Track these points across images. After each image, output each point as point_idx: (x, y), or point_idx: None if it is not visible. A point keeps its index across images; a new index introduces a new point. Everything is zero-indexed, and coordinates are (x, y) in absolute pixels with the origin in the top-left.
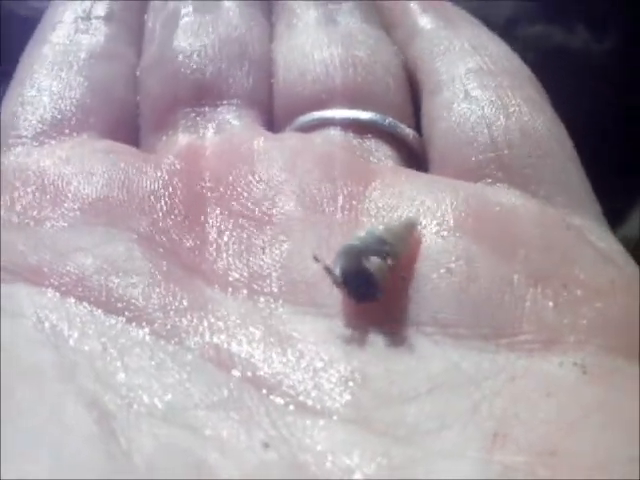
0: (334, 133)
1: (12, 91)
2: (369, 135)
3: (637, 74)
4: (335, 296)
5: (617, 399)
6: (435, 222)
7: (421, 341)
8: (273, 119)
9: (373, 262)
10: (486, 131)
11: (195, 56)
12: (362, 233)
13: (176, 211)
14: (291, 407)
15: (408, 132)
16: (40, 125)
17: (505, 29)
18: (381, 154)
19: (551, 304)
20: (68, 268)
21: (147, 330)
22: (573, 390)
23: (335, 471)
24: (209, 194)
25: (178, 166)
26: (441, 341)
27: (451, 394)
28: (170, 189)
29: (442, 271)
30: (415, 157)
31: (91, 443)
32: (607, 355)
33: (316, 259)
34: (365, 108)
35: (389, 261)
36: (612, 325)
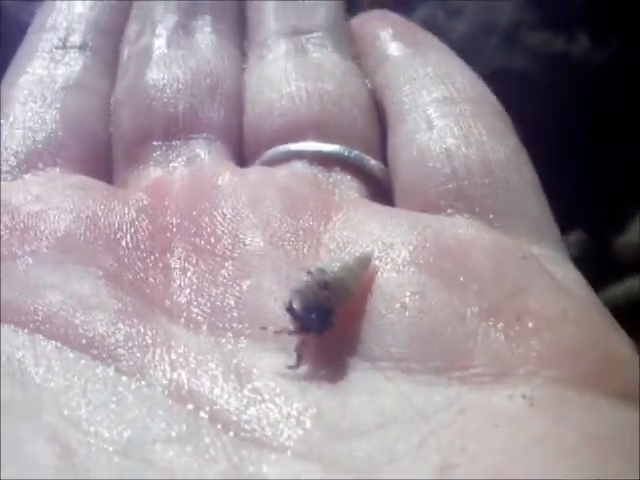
0: (300, 166)
1: None
2: (335, 168)
3: (638, 81)
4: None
5: (562, 430)
6: (391, 256)
7: (374, 376)
8: (243, 152)
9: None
10: (447, 162)
11: (167, 89)
12: (308, 275)
13: (141, 247)
14: (246, 442)
15: (374, 164)
16: (13, 159)
17: (507, 36)
18: (346, 187)
19: (502, 337)
20: (37, 305)
21: (110, 366)
22: (520, 422)
23: None
24: (174, 230)
25: (145, 202)
26: (393, 376)
27: (401, 428)
28: (136, 225)
29: (397, 306)
30: (381, 188)
31: (50, 477)
32: (556, 387)
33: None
34: (332, 141)
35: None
36: (562, 356)
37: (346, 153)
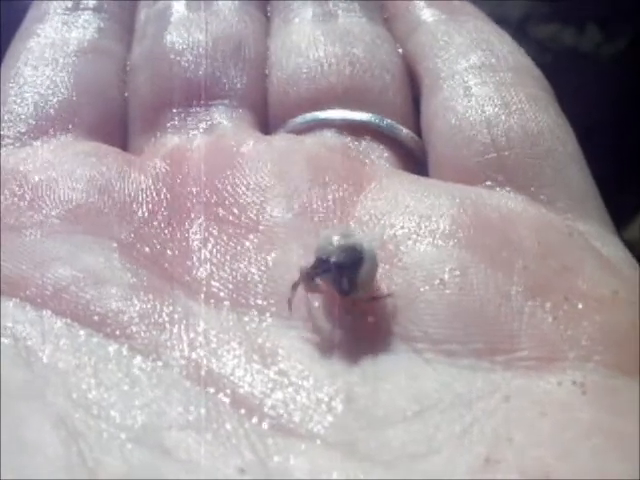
0: (328, 135)
1: None
2: (365, 137)
3: None
4: (323, 310)
5: (617, 421)
6: (428, 229)
7: (411, 359)
8: (267, 120)
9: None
10: (486, 131)
11: (187, 53)
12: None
13: (159, 218)
14: (271, 430)
15: (406, 134)
16: (23, 125)
17: (516, 29)
18: (377, 157)
19: (550, 318)
20: (45, 279)
21: (124, 345)
22: (571, 411)
23: None
24: (194, 199)
25: (163, 170)
26: (432, 359)
27: (441, 416)
28: (153, 195)
29: (435, 283)
30: (414, 160)
31: (55, 465)
32: (608, 373)
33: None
34: (362, 109)
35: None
36: (614, 340)
37: (377, 122)
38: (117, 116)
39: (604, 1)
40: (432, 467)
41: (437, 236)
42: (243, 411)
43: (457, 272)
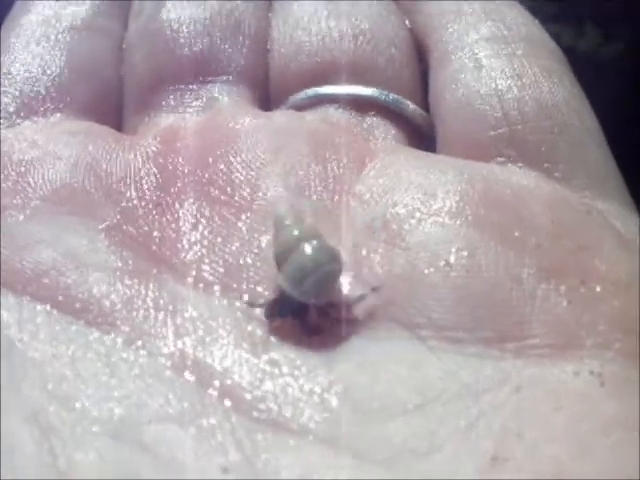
0: (331, 110)
1: None
2: (370, 113)
3: None
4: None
5: (638, 416)
6: (434, 207)
7: (414, 346)
8: (268, 97)
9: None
10: (498, 104)
11: (184, 29)
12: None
13: (147, 198)
14: (260, 424)
15: (413, 109)
16: (13, 104)
17: None
18: (382, 133)
19: (565, 302)
20: (25, 263)
21: (106, 333)
22: (588, 403)
23: None
24: (185, 179)
25: (154, 148)
26: (437, 346)
27: (444, 408)
28: (142, 174)
29: (440, 264)
30: (421, 137)
31: (24, 463)
32: (630, 362)
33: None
34: (367, 84)
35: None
36: (634, 327)
37: (383, 97)
38: (112, 96)
39: (604, 1)
40: (434, 466)
41: (443, 214)
42: (230, 404)
43: (464, 253)
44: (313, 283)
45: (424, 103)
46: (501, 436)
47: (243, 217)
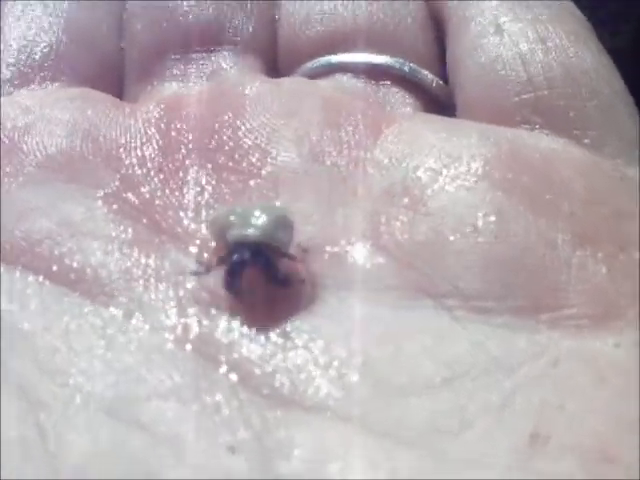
0: (344, 79)
1: None
2: (385, 82)
3: None
4: (337, 264)
5: None
6: (458, 170)
7: (439, 317)
8: (277, 68)
9: None
10: (522, 69)
11: None
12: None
13: (149, 165)
14: (270, 401)
15: (431, 79)
16: (7, 72)
17: None
18: (399, 102)
19: (604, 269)
20: (16, 232)
21: (103, 305)
22: (631, 376)
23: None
24: (190, 145)
25: (156, 114)
26: (464, 317)
27: (475, 384)
28: (144, 139)
29: (467, 230)
30: (439, 107)
31: (11, 442)
32: None
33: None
34: (380, 52)
35: None
36: None
37: (399, 66)
38: (112, 65)
39: None
40: (465, 445)
41: (468, 178)
42: (237, 379)
43: (492, 217)
44: (265, 221)
45: (440, 73)
46: (540, 412)
47: (252, 183)
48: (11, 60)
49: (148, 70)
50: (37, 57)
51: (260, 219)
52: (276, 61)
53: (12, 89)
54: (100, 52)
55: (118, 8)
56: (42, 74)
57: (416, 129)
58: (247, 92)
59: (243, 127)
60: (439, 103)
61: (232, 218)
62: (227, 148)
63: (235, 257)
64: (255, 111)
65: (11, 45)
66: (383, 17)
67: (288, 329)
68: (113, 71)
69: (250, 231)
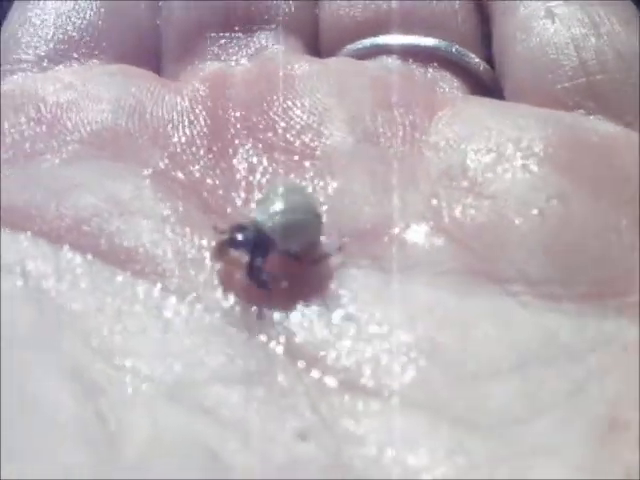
0: (389, 61)
1: (14, 10)
2: (432, 64)
3: None
4: (396, 247)
5: None
6: (519, 153)
7: (505, 302)
8: (318, 50)
9: None
10: (574, 53)
11: None
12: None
13: (198, 143)
14: (337, 386)
15: (478, 62)
16: (43, 48)
17: None
18: (447, 85)
19: None
20: (61, 209)
21: (155, 285)
22: None
23: (394, 471)
24: (238, 125)
25: (202, 93)
26: (531, 303)
27: (544, 371)
28: (191, 118)
29: (530, 213)
30: (485, 91)
31: (67, 426)
32: None
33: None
34: (426, 34)
35: None
36: None
37: (446, 48)
38: (150, 43)
39: None
40: (539, 432)
41: (529, 160)
42: (301, 364)
43: (555, 201)
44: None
45: (484, 56)
46: (616, 399)
47: (305, 164)
48: (47, 36)
49: (187, 48)
50: (74, 34)
51: (280, 211)
52: (316, 42)
53: (50, 65)
54: (137, 28)
55: None
56: (80, 51)
57: (471, 111)
58: (295, 71)
59: (294, 106)
60: (485, 87)
61: (262, 198)
62: (278, 128)
63: (230, 235)
64: (305, 90)
65: (47, 20)
66: None
67: (351, 313)
68: (150, 48)
69: (260, 217)
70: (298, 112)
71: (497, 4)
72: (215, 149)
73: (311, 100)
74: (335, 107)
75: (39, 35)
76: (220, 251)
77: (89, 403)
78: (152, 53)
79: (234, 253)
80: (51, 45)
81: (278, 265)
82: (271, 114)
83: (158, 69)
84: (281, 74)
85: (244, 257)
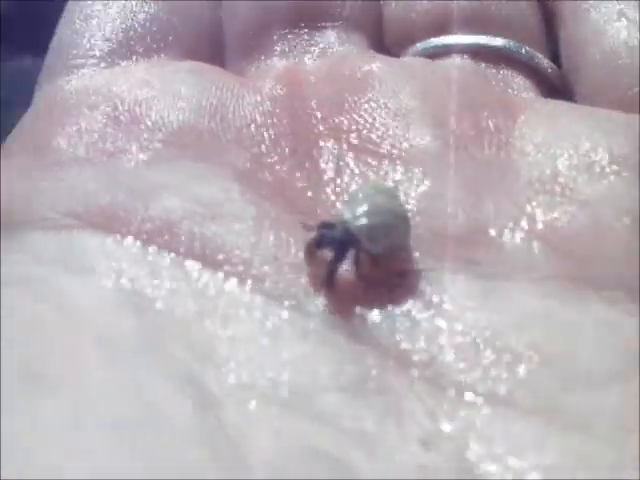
0: (462, 61)
1: (73, 6)
2: (501, 65)
3: None
4: (494, 250)
5: None
6: (611, 159)
7: (607, 309)
8: (383, 47)
9: None
10: None
11: None
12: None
13: (282, 144)
14: (452, 394)
15: (547, 64)
16: (108, 43)
17: None
18: (520, 86)
19: None
20: (150, 211)
21: (255, 289)
22: None
23: (515, 478)
24: (321, 125)
25: (280, 92)
26: (634, 310)
27: None
28: (274, 118)
29: (628, 219)
30: (554, 92)
31: (189, 437)
32: None
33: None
34: (494, 34)
35: None
36: None
37: (516, 49)
38: (212, 36)
39: None
40: None
41: (621, 166)
42: (414, 371)
43: None
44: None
45: (550, 57)
46: None
47: (394, 166)
48: (113, 32)
49: (253, 44)
50: (138, 29)
51: (368, 212)
52: (381, 39)
53: (116, 60)
54: (200, 24)
55: None
56: (147, 45)
57: (554, 115)
58: (373, 71)
59: (378, 107)
60: (554, 88)
61: (350, 198)
62: (362, 129)
63: (318, 233)
64: (387, 92)
65: (111, 15)
66: None
67: (455, 318)
68: (214, 43)
69: (347, 216)
70: (382, 113)
71: (565, 5)
72: (300, 150)
73: (394, 101)
74: (419, 109)
75: (103, 30)
76: (310, 251)
77: (209, 413)
78: (216, 47)
79: (322, 252)
80: (116, 40)
81: (366, 266)
82: (354, 115)
83: (221, 64)
84: (359, 74)
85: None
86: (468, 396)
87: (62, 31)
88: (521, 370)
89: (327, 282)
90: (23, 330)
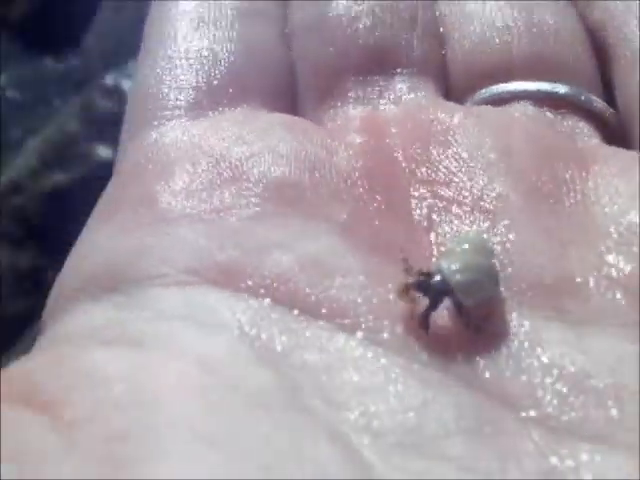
0: (525, 108)
1: (148, 54)
2: (562, 111)
3: None
4: (581, 298)
5: None
6: None
7: None
8: (448, 91)
9: None
10: None
11: (362, 18)
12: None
13: (377, 197)
14: (559, 433)
15: (605, 107)
16: (192, 93)
17: None
18: (583, 132)
19: None
20: (264, 267)
21: (373, 344)
22: None
23: None
24: (409, 177)
25: (368, 145)
26: None
27: None
28: (365, 171)
29: None
30: (613, 135)
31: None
32: None
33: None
34: (553, 80)
35: None
36: None
37: (577, 95)
38: (286, 84)
39: None
40: None
41: None
42: (523, 414)
43: None
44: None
45: (605, 100)
46: None
47: (480, 217)
48: (196, 81)
49: (326, 91)
50: (221, 78)
51: (466, 267)
52: (447, 85)
53: (201, 111)
54: (274, 71)
55: (280, 23)
56: (228, 96)
57: (625, 165)
58: (452, 122)
59: (462, 160)
60: (612, 131)
61: (448, 250)
62: (448, 180)
63: (418, 278)
64: (468, 145)
65: (194, 65)
66: (555, 46)
67: (550, 362)
68: (287, 89)
69: (446, 269)
70: (465, 165)
71: (617, 50)
72: (394, 202)
73: (476, 154)
74: (499, 162)
75: (186, 80)
76: (405, 290)
77: (356, 461)
78: (289, 94)
79: (415, 295)
80: (201, 91)
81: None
82: (439, 167)
83: (295, 110)
84: (440, 126)
85: (424, 301)
86: (574, 436)
87: (140, 82)
88: (621, 410)
89: (423, 325)
90: (171, 389)
